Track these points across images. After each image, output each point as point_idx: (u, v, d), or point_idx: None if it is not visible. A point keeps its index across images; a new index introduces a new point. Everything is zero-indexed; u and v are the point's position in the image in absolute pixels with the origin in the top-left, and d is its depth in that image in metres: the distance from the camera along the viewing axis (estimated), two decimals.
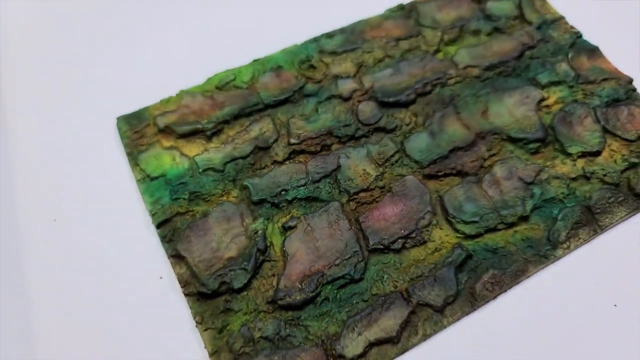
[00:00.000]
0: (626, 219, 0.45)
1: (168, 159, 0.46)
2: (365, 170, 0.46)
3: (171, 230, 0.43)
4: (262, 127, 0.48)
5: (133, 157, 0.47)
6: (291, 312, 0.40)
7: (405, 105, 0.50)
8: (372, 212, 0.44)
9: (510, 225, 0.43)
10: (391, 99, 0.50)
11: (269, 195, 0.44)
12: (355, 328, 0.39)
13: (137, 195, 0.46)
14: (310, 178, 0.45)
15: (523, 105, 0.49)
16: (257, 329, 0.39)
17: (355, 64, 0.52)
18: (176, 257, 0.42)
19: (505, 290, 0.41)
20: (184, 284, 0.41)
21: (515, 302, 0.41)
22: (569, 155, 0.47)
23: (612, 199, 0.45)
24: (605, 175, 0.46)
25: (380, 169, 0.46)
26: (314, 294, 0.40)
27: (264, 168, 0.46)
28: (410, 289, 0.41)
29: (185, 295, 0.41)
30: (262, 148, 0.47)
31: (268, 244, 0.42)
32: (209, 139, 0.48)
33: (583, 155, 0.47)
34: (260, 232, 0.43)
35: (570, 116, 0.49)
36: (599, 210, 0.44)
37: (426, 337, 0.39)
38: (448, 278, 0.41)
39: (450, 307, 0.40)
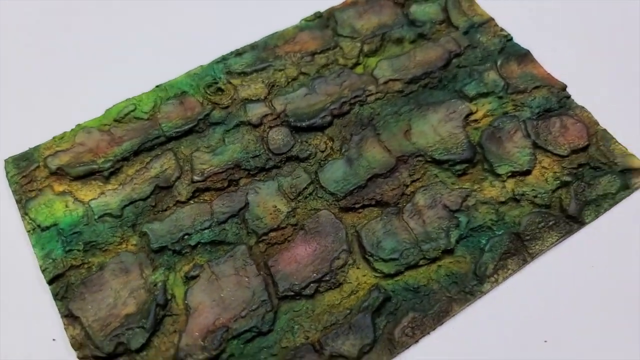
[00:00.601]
0: (558, 244, 0.42)
1: (60, 205, 0.42)
2: (275, 206, 0.42)
3: (64, 286, 0.39)
4: (163, 164, 0.44)
5: (22, 205, 0.42)
6: None
7: (320, 129, 0.46)
8: (282, 254, 0.40)
9: (433, 260, 0.40)
10: (305, 123, 0.46)
11: (170, 241, 0.41)
12: None
13: (29, 248, 0.42)
14: (216, 219, 0.42)
15: (449, 121, 0.46)
16: None
17: (266, 84, 0.48)
18: (69, 317, 0.38)
19: (427, 334, 0.38)
20: (77, 347, 0.37)
21: (439, 343, 0.39)
22: (498, 176, 0.44)
23: (542, 224, 0.42)
24: (535, 196, 0.43)
25: (292, 204, 0.42)
26: (217, 351, 0.37)
27: (165, 210, 0.42)
28: (322, 339, 0.37)
29: (80, 359, 0.37)
30: (163, 187, 0.43)
31: (169, 297, 0.39)
32: (106, 180, 0.43)
33: (513, 175, 0.44)
34: (160, 284, 0.39)
35: (500, 131, 0.46)
36: (528, 237, 0.41)
37: None
38: (364, 325, 0.38)
39: (367, 357, 0.37)
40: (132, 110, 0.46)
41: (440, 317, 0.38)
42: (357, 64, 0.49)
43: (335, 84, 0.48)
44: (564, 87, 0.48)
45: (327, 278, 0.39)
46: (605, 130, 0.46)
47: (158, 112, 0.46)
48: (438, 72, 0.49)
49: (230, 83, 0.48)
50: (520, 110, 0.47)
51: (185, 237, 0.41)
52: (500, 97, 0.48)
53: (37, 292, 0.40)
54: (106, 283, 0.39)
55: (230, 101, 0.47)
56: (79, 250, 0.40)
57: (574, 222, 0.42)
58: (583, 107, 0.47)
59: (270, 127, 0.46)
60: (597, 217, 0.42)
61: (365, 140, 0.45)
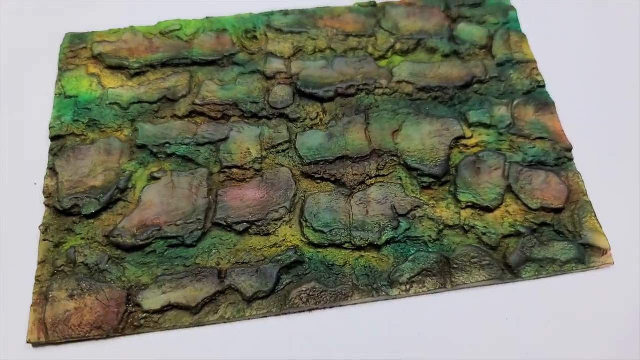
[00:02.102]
0: (486, 286, 0.42)
1: (86, 83, 0.50)
2: (249, 149, 0.46)
3: (60, 146, 0.47)
4: (178, 80, 0.50)
5: (60, 73, 0.50)
6: (119, 252, 0.42)
7: (320, 100, 0.49)
8: (233, 189, 0.45)
9: (358, 248, 0.42)
10: (309, 91, 0.49)
11: (152, 143, 0.46)
12: (163, 286, 0.41)
13: (49, 109, 0.49)
14: (196, 140, 0.47)
15: (438, 136, 0.47)
16: (82, 254, 0.42)
17: (294, 47, 0.52)
18: (52, 170, 0.46)
19: (321, 307, 0.41)
20: (47, 195, 0.44)
21: (330, 323, 0.41)
22: (457, 201, 0.44)
23: (475, 260, 0.42)
24: (484, 234, 0.43)
25: (263, 153, 0.46)
26: (144, 243, 0.42)
27: (162, 118, 0.48)
28: (229, 270, 0.41)
29: (45, 205, 0.44)
30: (169, 99, 0.49)
31: (130, 186, 0.45)
32: (130, 77, 0.50)
33: (472, 206, 0.44)
34: (128, 173, 0.45)
35: (481, 163, 0.46)
36: (457, 266, 0.42)
37: (224, 320, 0.40)
38: (269, 274, 0.41)
39: (259, 302, 0.41)
40: (177, 30, 0.53)
41: (338, 298, 0.41)
42: (383, 57, 0.52)
43: (353, 67, 0.51)
44: (569, 148, 0.47)
45: (260, 224, 0.43)
46: (589, 202, 0.44)
47: (196, 38, 0.52)
48: (452, 90, 0.50)
49: (265, 35, 0.53)
50: (514, 152, 0.47)
51: (166, 145, 0.46)
52: (501, 134, 0.48)
53: (39, 142, 0.48)
54: (90, 156, 0.46)
55: (257, 50, 0.52)
56: (83, 123, 0.48)
57: (509, 271, 0.42)
58: (579, 174, 0.46)
59: (279, 84, 0.50)
60: (536, 277, 0.42)
61: (354, 124, 0.48)
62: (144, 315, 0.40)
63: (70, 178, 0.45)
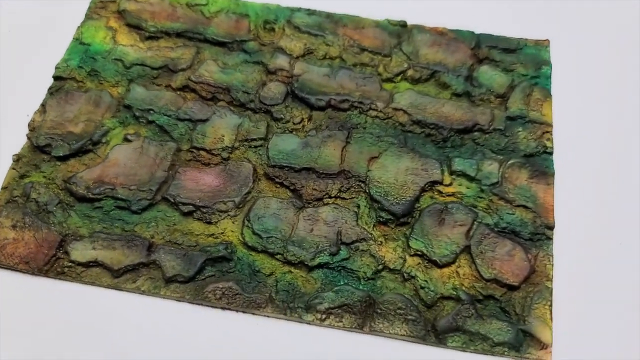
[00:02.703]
0: (404, 341, 0.39)
1: (102, 35, 0.52)
2: (223, 136, 0.46)
3: (58, 87, 0.49)
4: (184, 53, 0.50)
5: (85, 19, 0.53)
6: (71, 199, 0.44)
7: (310, 107, 0.48)
8: (193, 171, 0.45)
9: (289, 262, 0.41)
10: (302, 95, 0.48)
11: (138, 106, 0.47)
12: (95, 242, 0.42)
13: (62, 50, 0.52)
14: (178, 114, 0.47)
15: (414, 175, 0.44)
16: (37, 191, 0.44)
17: (305, 48, 0.51)
18: (43, 107, 0.48)
19: (232, 309, 0.40)
20: (31, 128, 0.47)
21: (238, 326, 0.40)
22: (407, 247, 0.42)
23: (401, 311, 0.39)
24: (423, 288, 0.40)
25: (236, 144, 0.46)
26: (94, 197, 0.43)
27: (158, 85, 0.49)
28: (159, 246, 0.42)
29: (27, 137, 0.47)
30: (169, 69, 0.50)
31: (104, 141, 0.46)
32: (143, 39, 0.51)
33: (421, 256, 0.41)
34: (105, 128, 0.47)
35: (448, 215, 0.43)
36: (380, 311, 0.40)
37: (139, 291, 0.40)
38: (194, 262, 0.41)
39: (176, 285, 0.41)
40: (203, 5, 0.53)
41: (250, 305, 0.40)
42: (390, 80, 0.49)
43: (354, 82, 0.49)
44: (551, 226, 0.42)
45: (205, 211, 0.43)
46: (550, 290, 0.40)
47: (217, 17, 0.53)
48: (448, 132, 0.46)
49: (283, 30, 0.52)
50: (488, 213, 0.43)
51: (150, 111, 0.47)
52: (482, 190, 0.44)
53: (43, 78, 0.50)
54: (79, 103, 0.48)
55: (269, 42, 0.51)
56: (85, 71, 0.50)
57: (434, 334, 0.39)
58: (550, 257, 0.41)
59: (277, 80, 0.49)
60: (462, 349, 0.39)
61: (333, 139, 0.46)
62: (69, 264, 0.41)
63: (55, 118, 0.47)
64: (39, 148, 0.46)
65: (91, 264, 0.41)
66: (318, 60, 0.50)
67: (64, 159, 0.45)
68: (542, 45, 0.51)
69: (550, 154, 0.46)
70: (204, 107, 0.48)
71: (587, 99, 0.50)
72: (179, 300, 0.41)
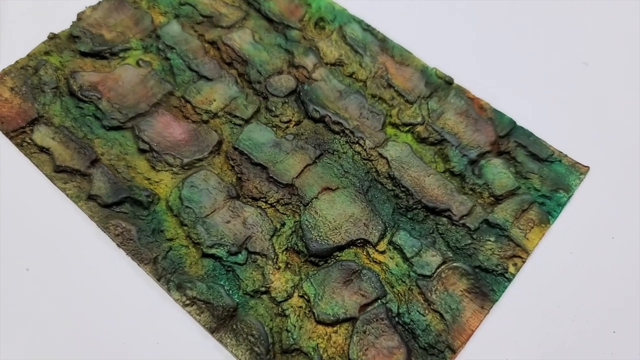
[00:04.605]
0: None
1: None
2: (215, 100, 0.47)
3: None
4: (232, 13, 0.51)
5: None
6: (66, 89, 0.47)
7: (305, 113, 0.47)
8: (170, 117, 0.46)
9: (190, 239, 0.41)
10: (303, 98, 0.47)
11: (165, 40, 0.50)
12: (57, 134, 0.45)
13: None
14: (191, 64, 0.49)
15: (353, 224, 0.42)
16: (46, 70, 0.48)
17: (338, 58, 0.49)
18: (97, 4, 0.52)
19: (123, 249, 0.41)
20: (78, 18, 0.51)
21: (117, 265, 0.41)
22: (300, 286, 0.40)
23: (252, 339, 0.38)
24: (288, 331, 0.38)
25: (220, 113, 0.46)
26: (81, 97, 0.47)
27: (194, 31, 0.51)
28: (102, 165, 0.44)
29: (71, 23, 0.51)
30: (212, 21, 0.51)
31: (121, 56, 0.49)
32: None
33: (308, 301, 0.39)
34: (129, 45, 0.49)
35: (357, 280, 0.40)
36: (235, 328, 0.38)
37: (65, 191, 0.43)
38: (118, 193, 0.43)
39: (93, 204, 0.42)
40: None
41: (135, 256, 0.41)
42: (395, 126, 0.46)
43: (359, 111, 0.46)
44: (453, 350, 0.38)
45: (155, 155, 0.44)
46: None
47: None
48: (415, 203, 0.43)
49: (331, 33, 0.51)
50: (399, 301, 0.39)
51: (172, 50, 0.49)
52: (408, 276, 0.40)
53: None
54: (122, 15, 0.51)
55: (309, 38, 0.50)
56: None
57: None
58: None
59: (293, 75, 0.48)
60: None
61: (303, 152, 0.45)
62: (29, 141, 0.45)
63: (98, 19, 0.51)
64: (72, 37, 0.50)
65: (44, 149, 0.44)
66: (342, 75, 0.49)
67: (83, 54, 0.49)
68: (578, 170, 0.45)
69: (509, 280, 0.41)
70: (216, 68, 0.48)
71: (594, 252, 0.43)
72: (90, 219, 0.43)
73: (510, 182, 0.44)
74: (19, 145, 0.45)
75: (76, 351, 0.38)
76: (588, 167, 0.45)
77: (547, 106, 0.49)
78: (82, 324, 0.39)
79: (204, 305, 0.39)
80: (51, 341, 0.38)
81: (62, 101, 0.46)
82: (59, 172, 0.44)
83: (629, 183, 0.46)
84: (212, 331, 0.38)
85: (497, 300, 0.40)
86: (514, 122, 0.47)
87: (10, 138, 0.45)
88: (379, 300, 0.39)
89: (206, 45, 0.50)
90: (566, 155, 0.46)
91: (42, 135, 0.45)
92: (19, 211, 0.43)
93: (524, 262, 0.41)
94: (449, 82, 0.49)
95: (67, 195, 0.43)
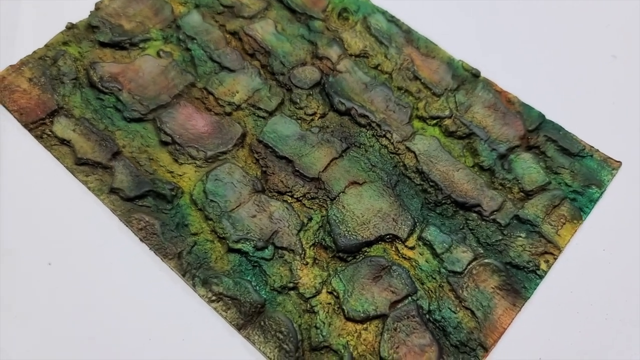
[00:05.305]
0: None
1: None
2: (237, 92, 0.46)
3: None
4: (254, 3, 0.50)
5: None
6: (85, 80, 0.46)
7: (330, 105, 0.46)
8: (192, 108, 0.45)
9: (215, 233, 0.40)
10: (329, 90, 0.46)
11: (186, 30, 0.49)
12: (78, 126, 0.44)
13: None
14: (212, 54, 0.48)
15: (381, 219, 0.41)
16: (65, 61, 0.47)
17: (362, 50, 0.48)
18: None
19: (146, 244, 0.40)
20: (96, 7, 0.50)
21: (142, 261, 0.40)
22: (329, 282, 0.39)
23: (281, 336, 0.37)
24: (317, 328, 0.37)
25: (243, 105, 0.45)
26: (102, 88, 0.46)
27: (215, 21, 0.50)
28: (124, 157, 0.43)
29: (89, 13, 0.50)
30: (233, 12, 0.50)
31: (141, 46, 0.48)
32: None
33: (336, 297, 0.38)
34: (149, 35, 0.48)
35: (387, 276, 0.39)
36: (263, 325, 0.38)
37: (87, 185, 0.42)
38: (140, 186, 0.42)
39: (115, 197, 0.42)
40: None
41: (159, 251, 0.40)
42: (423, 119, 0.45)
43: (385, 104, 0.45)
44: (485, 347, 0.37)
45: (178, 148, 0.43)
46: None
47: None
48: (444, 198, 0.42)
49: (355, 23, 0.50)
50: (430, 299, 0.38)
51: (193, 40, 0.48)
52: (439, 272, 0.39)
53: None
54: (143, 4, 0.50)
55: (333, 29, 0.49)
56: None
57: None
58: None
59: (317, 67, 0.47)
60: None
61: (328, 146, 0.44)
62: (49, 133, 0.44)
63: (117, 8, 0.50)
64: (90, 27, 0.49)
65: (64, 142, 0.44)
66: (367, 67, 0.48)
67: (102, 45, 0.48)
68: (611, 165, 0.44)
69: (540, 277, 0.40)
70: (238, 59, 0.47)
71: (627, 249, 0.42)
72: (112, 212, 0.42)
73: (541, 177, 0.43)
74: (39, 137, 0.44)
75: (100, 347, 0.37)
76: (620, 162, 0.44)
77: (576, 100, 0.48)
78: (106, 320, 0.38)
79: (230, 302, 0.38)
80: (74, 337, 0.38)
81: (82, 92, 0.46)
82: (80, 165, 0.43)
83: None
84: (239, 328, 0.37)
85: (529, 297, 0.39)
86: (543, 116, 0.46)
87: (30, 130, 0.44)
88: (410, 297, 0.38)
89: (227, 35, 0.49)
90: (598, 150, 0.45)
91: (62, 127, 0.44)
92: (40, 205, 0.42)
93: (555, 258, 0.40)
94: (476, 74, 0.48)
95: (89, 188, 0.42)
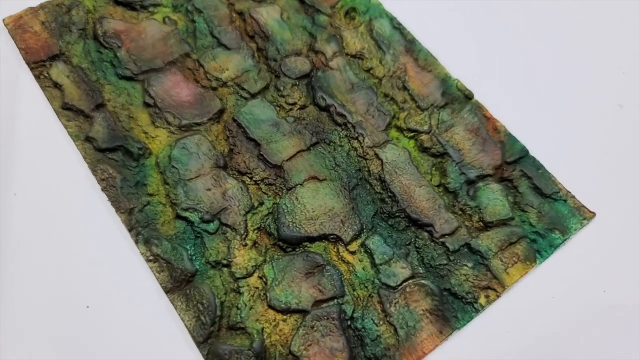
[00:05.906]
0: (185, 331, 0.38)
1: None
2: (228, 69, 0.47)
3: None
4: None
5: None
6: (90, 32, 0.48)
7: (312, 99, 0.46)
8: (182, 77, 0.46)
9: (168, 197, 0.41)
10: (313, 84, 0.46)
11: (196, 2, 0.50)
12: (72, 74, 0.46)
13: None
14: (213, 30, 0.49)
15: (329, 218, 0.41)
16: (78, 11, 0.49)
17: (359, 51, 0.48)
18: None
19: (105, 194, 0.42)
20: None
21: (93, 206, 0.42)
22: (261, 267, 0.39)
23: (201, 307, 0.38)
24: (238, 308, 0.38)
25: (229, 82, 0.46)
26: (103, 43, 0.48)
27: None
28: (106, 110, 0.45)
29: None
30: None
31: (150, 10, 0.50)
32: None
33: (265, 283, 0.39)
34: (160, 0, 0.50)
35: (319, 274, 0.39)
36: (189, 293, 0.38)
37: (66, 128, 0.44)
38: (113, 140, 0.43)
39: (89, 146, 0.43)
40: None
41: (113, 202, 0.41)
42: (400, 130, 0.45)
43: (367, 108, 0.45)
44: None
45: (158, 112, 0.45)
46: None
47: None
48: (398, 211, 0.41)
49: (360, 24, 0.50)
50: (355, 304, 0.38)
51: (200, 13, 0.49)
52: (372, 282, 0.39)
53: None
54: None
55: (336, 26, 0.49)
56: None
57: (206, 350, 0.37)
58: None
59: (310, 59, 0.47)
60: None
61: (298, 137, 0.44)
62: (46, 75, 0.46)
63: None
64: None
65: (57, 85, 0.46)
66: (360, 69, 0.47)
67: (116, 2, 0.50)
68: (583, 214, 0.42)
69: (477, 311, 0.38)
70: (237, 39, 0.48)
71: (580, 302, 0.40)
72: (83, 158, 0.44)
73: (505, 211, 0.41)
74: (37, 77, 0.46)
75: (34, 282, 0.39)
76: (594, 214, 0.42)
77: (566, 141, 0.46)
78: (51, 256, 0.40)
79: (165, 265, 0.39)
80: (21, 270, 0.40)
81: (85, 43, 0.48)
82: (65, 110, 0.45)
83: (634, 239, 0.42)
84: (167, 291, 0.38)
85: (459, 328, 0.38)
86: (527, 151, 0.44)
87: (31, 69, 0.47)
88: (335, 300, 0.38)
89: (234, 15, 0.50)
90: (574, 197, 0.43)
91: (58, 71, 0.46)
92: (22, 139, 0.45)
93: (498, 296, 0.39)
94: (468, 96, 0.46)
95: (68, 132, 0.44)
